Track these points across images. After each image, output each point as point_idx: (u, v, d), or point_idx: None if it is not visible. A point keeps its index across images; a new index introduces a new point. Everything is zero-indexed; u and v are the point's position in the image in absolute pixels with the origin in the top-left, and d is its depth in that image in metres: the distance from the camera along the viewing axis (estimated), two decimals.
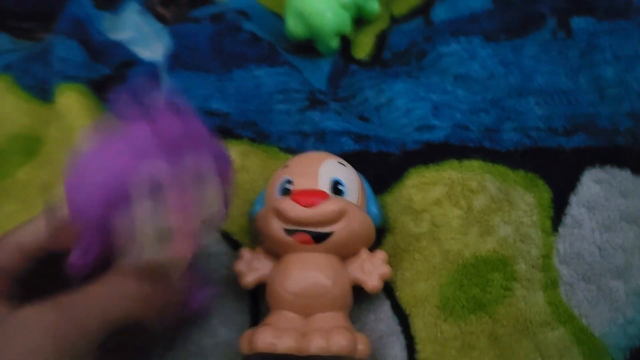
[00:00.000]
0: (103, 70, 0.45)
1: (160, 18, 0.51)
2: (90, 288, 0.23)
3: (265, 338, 0.27)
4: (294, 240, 0.29)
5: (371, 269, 0.30)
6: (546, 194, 0.33)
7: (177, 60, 0.45)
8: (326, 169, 0.31)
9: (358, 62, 0.44)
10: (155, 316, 0.25)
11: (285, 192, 0.30)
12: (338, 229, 0.29)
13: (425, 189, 0.34)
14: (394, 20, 0.47)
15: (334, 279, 0.29)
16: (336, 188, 0.30)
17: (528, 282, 0.30)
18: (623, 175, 0.32)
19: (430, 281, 0.31)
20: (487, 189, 0.33)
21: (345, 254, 0.30)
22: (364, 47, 0.45)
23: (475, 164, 0.35)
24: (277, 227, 0.29)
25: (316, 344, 0.26)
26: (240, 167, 0.38)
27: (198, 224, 0.24)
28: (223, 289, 0.32)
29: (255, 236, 0.33)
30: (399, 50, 0.43)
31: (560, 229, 0.31)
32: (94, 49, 0.46)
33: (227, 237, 0.35)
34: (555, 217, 0.32)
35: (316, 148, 0.38)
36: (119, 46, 0.47)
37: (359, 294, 0.30)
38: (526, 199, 0.33)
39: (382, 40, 0.45)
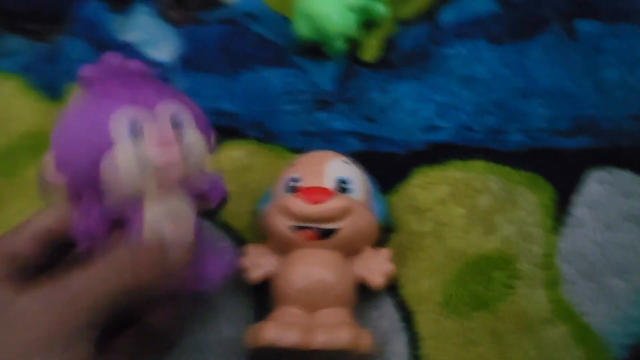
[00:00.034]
0: None
1: (170, 20, 0.52)
2: (89, 270, 0.23)
3: (270, 332, 0.27)
4: (300, 237, 0.30)
5: (375, 267, 0.31)
6: (549, 194, 0.33)
7: (186, 62, 0.46)
8: (332, 168, 0.31)
9: (365, 64, 0.45)
10: (157, 290, 0.25)
11: (292, 189, 0.31)
12: (343, 226, 0.30)
13: (429, 188, 0.35)
14: (401, 23, 0.48)
15: (338, 276, 0.29)
16: (342, 186, 0.31)
17: (530, 280, 0.30)
18: (625, 176, 0.33)
19: (433, 279, 0.32)
20: (491, 189, 0.34)
21: (350, 251, 0.31)
22: (370, 50, 0.46)
23: (480, 164, 0.35)
24: (283, 224, 0.30)
25: (320, 339, 0.27)
26: (247, 166, 0.38)
27: (181, 161, 0.25)
28: (228, 285, 0.33)
29: (260, 233, 0.33)
30: (406, 53, 0.44)
31: (563, 228, 0.32)
32: (103, 50, 0.47)
33: (232, 233, 0.35)
34: (557, 216, 0.32)
35: (322, 148, 0.38)
36: (128, 47, 0.47)
37: (364, 291, 0.31)
38: (529, 199, 0.33)
39: (389, 42, 0.45)
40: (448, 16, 0.45)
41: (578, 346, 0.28)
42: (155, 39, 0.49)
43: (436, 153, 0.36)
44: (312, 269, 0.29)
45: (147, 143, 0.24)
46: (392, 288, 0.32)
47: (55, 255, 0.26)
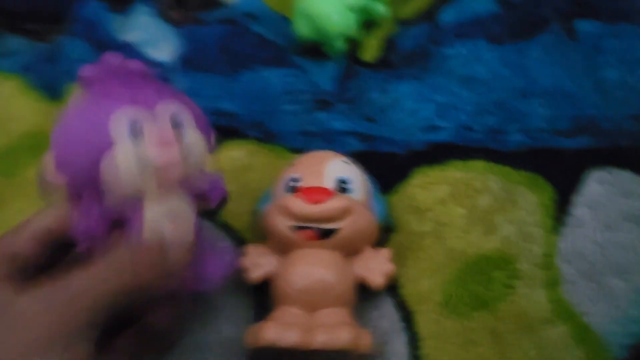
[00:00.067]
0: None
1: (170, 20, 0.52)
2: (89, 268, 0.23)
3: (270, 332, 0.27)
4: (300, 237, 0.30)
5: (375, 267, 0.31)
6: (549, 194, 0.33)
7: (186, 62, 0.46)
8: (332, 168, 0.31)
9: (365, 64, 0.45)
10: (157, 290, 0.25)
11: (292, 189, 0.31)
12: (343, 226, 0.30)
13: (429, 188, 0.35)
14: (401, 23, 0.48)
15: (338, 276, 0.29)
16: (342, 186, 0.31)
17: (530, 280, 0.30)
18: (625, 176, 0.33)
19: (433, 279, 0.32)
20: (491, 189, 0.34)
21: (350, 251, 0.31)
22: (370, 50, 0.46)
23: (480, 164, 0.35)
24: (283, 224, 0.30)
25: (320, 339, 0.27)
26: (247, 166, 0.39)
27: (181, 161, 0.25)
28: (228, 285, 0.33)
29: (260, 233, 0.33)
30: (406, 53, 0.44)
31: (563, 228, 0.32)
32: (103, 50, 0.47)
33: (232, 233, 0.35)
34: (557, 216, 0.32)
35: (322, 148, 0.38)
36: (128, 47, 0.47)
37: (364, 292, 0.31)
38: (529, 199, 0.33)
39: (389, 42, 0.45)
40: (448, 16, 0.45)
41: (578, 346, 0.28)
42: (156, 39, 0.49)
43: (436, 153, 0.36)
44: (312, 269, 0.29)
45: (147, 143, 0.24)
46: (392, 288, 0.32)
47: (55, 255, 0.26)
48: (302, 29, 0.44)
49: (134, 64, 0.27)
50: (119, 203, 0.25)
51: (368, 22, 0.48)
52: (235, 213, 0.36)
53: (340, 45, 0.45)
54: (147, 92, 0.25)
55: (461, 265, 0.32)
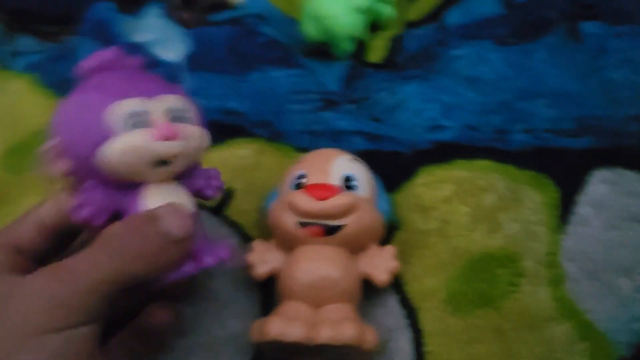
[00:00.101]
0: None
1: (181, 22, 0.52)
2: (86, 251, 0.23)
3: (276, 327, 0.27)
4: (306, 233, 0.30)
5: (380, 264, 0.31)
6: (554, 193, 0.33)
7: (196, 62, 0.46)
8: (338, 165, 0.32)
9: (371, 65, 0.45)
10: (157, 272, 0.25)
11: (298, 186, 0.31)
12: (349, 223, 0.30)
13: (434, 187, 0.35)
14: (408, 24, 0.48)
15: (343, 272, 0.30)
16: (348, 183, 0.31)
17: (534, 278, 0.30)
18: (629, 176, 0.33)
19: (438, 276, 0.32)
20: (496, 188, 0.34)
21: (355, 247, 0.31)
22: (377, 51, 0.46)
23: (485, 163, 0.35)
24: (289, 220, 0.30)
25: (325, 334, 0.27)
26: (254, 165, 0.39)
27: (181, 153, 0.25)
28: (234, 281, 0.33)
29: (267, 230, 0.33)
30: (412, 54, 0.44)
31: (568, 227, 0.32)
32: None
33: (239, 230, 0.36)
34: (562, 215, 0.32)
35: (329, 147, 0.38)
36: (140, 48, 0.48)
37: (369, 288, 0.31)
38: (534, 198, 0.33)
39: (395, 44, 0.46)
40: (454, 17, 0.45)
41: (582, 344, 0.28)
42: (165, 39, 0.49)
43: (441, 152, 0.37)
44: (317, 265, 0.30)
45: (148, 133, 0.24)
46: (397, 285, 0.32)
47: (59, 247, 0.27)
48: (309, 30, 0.45)
49: (131, 59, 0.27)
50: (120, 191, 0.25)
51: (374, 23, 0.48)
52: (242, 210, 0.37)
53: (347, 46, 0.45)
54: (147, 83, 0.26)
55: (466, 263, 0.32)
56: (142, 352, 0.28)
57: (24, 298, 0.22)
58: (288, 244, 0.31)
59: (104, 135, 0.24)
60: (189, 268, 0.26)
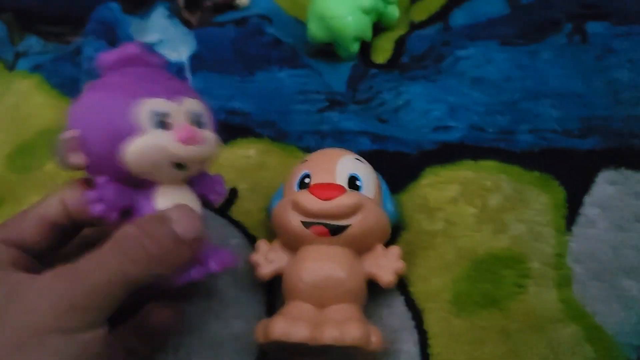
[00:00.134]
0: None
1: (186, 23, 0.53)
2: (97, 252, 0.23)
3: (280, 327, 0.27)
4: (311, 233, 0.30)
5: (386, 264, 0.31)
6: (560, 194, 0.33)
7: (201, 62, 0.47)
8: (344, 165, 0.32)
9: (377, 66, 0.45)
10: (166, 275, 0.25)
11: (304, 186, 0.31)
12: (354, 223, 0.30)
13: (440, 187, 0.35)
14: (413, 25, 0.48)
15: (348, 272, 0.29)
16: (353, 183, 0.31)
17: (541, 280, 0.30)
18: (637, 177, 0.33)
19: (443, 277, 0.32)
20: (502, 188, 0.34)
21: (360, 248, 0.31)
22: (383, 52, 0.46)
23: (491, 164, 0.35)
24: (294, 219, 0.30)
25: (330, 334, 0.27)
26: (260, 165, 0.39)
27: (200, 157, 0.25)
28: (239, 282, 0.33)
29: (271, 230, 0.33)
30: (417, 55, 0.44)
31: (574, 228, 0.32)
32: None
33: (244, 230, 0.36)
34: (569, 216, 0.32)
35: (334, 147, 0.39)
36: (146, 48, 0.48)
37: (374, 289, 0.31)
38: (540, 199, 0.33)
39: (401, 45, 0.45)
40: (459, 18, 0.45)
41: (588, 346, 0.28)
42: (172, 40, 0.50)
43: (447, 153, 0.37)
44: (322, 265, 0.29)
45: (171, 135, 0.24)
46: (402, 286, 0.32)
47: (60, 244, 0.26)
48: (315, 31, 0.45)
49: (153, 57, 0.27)
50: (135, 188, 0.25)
51: (379, 24, 0.48)
52: (247, 210, 0.37)
53: (352, 46, 0.45)
54: (172, 84, 0.26)
55: (471, 264, 0.32)
56: (142, 352, 0.28)
57: (32, 297, 0.21)
58: (293, 244, 0.31)
59: (127, 132, 0.24)
60: (195, 272, 0.26)
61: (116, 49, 0.26)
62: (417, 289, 0.32)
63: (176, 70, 0.46)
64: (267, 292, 0.33)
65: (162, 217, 0.24)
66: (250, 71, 0.45)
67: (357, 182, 0.31)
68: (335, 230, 0.30)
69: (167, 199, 0.26)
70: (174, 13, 0.53)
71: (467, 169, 0.35)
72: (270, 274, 0.31)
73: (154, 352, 0.30)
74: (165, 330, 0.28)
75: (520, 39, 0.42)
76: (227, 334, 0.31)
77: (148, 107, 0.24)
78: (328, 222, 0.30)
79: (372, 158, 0.34)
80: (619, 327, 0.28)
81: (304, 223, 0.30)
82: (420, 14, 0.48)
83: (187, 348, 0.31)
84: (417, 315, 0.31)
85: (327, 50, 0.47)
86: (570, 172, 0.34)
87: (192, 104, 0.26)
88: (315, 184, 0.30)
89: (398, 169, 0.37)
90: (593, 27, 0.41)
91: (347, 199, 0.30)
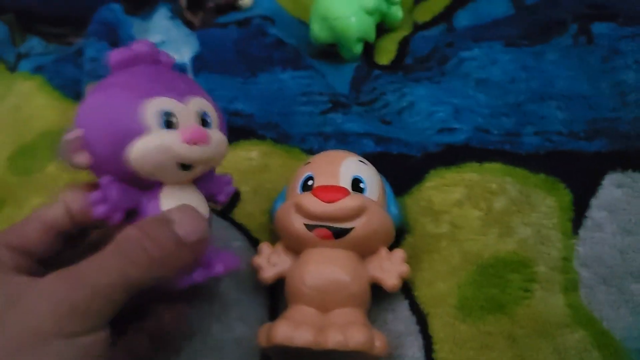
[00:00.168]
0: None
1: (188, 24, 0.53)
2: (99, 255, 0.23)
3: (283, 331, 0.27)
4: (314, 236, 0.29)
5: (390, 268, 0.30)
6: (567, 197, 0.33)
7: (203, 63, 0.46)
8: (347, 167, 0.31)
9: (380, 68, 0.45)
10: (168, 277, 0.24)
11: (307, 188, 0.31)
12: (358, 225, 0.29)
13: (445, 190, 0.34)
14: (417, 26, 0.48)
15: (352, 275, 0.29)
16: (357, 185, 0.31)
17: (548, 284, 0.30)
18: None
19: (448, 281, 0.31)
20: (508, 191, 0.33)
21: (364, 251, 0.30)
22: (386, 53, 0.46)
23: (496, 166, 0.35)
24: (297, 222, 0.30)
25: (333, 339, 0.26)
26: (262, 167, 0.39)
27: (207, 158, 0.25)
28: (241, 285, 0.33)
29: (274, 232, 0.33)
30: (421, 56, 0.44)
31: (581, 232, 0.31)
32: None
33: (246, 233, 0.35)
34: (575, 220, 0.32)
35: (337, 149, 0.38)
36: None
37: (378, 293, 0.30)
38: (547, 202, 0.33)
39: (404, 46, 0.45)
40: (464, 19, 0.45)
41: (596, 352, 0.28)
42: (175, 41, 0.50)
43: (452, 155, 0.36)
44: (326, 268, 0.29)
45: (178, 135, 0.24)
46: (407, 290, 0.32)
47: (66, 249, 0.26)
48: (318, 32, 0.45)
49: (164, 55, 0.27)
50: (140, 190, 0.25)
51: (382, 25, 0.48)
52: (250, 213, 0.36)
53: (355, 48, 0.45)
54: (179, 84, 0.25)
55: (477, 268, 0.31)
56: (148, 354, 0.28)
57: (33, 301, 0.21)
58: (296, 247, 0.31)
59: (132, 132, 0.23)
60: (198, 275, 0.26)
61: (125, 47, 0.26)
62: (422, 293, 0.31)
63: (178, 71, 0.46)
64: (270, 296, 0.33)
65: (164, 219, 0.24)
66: (253, 72, 0.45)
67: (361, 185, 0.31)
68: (339, 233, 0.29)
69: (172, 199, 0.25)
70: (176, 14, 0.53)
71: (472, 171, 0.35)
72: (273, 277, 0.31)
73: (162, 354, 0.30)
74: (176, 330, 0.28)
75: (525, 40, 0.42)
76: (229, 337, 0.31)
77: (154, 106, 0.24)
78: (331, 224, 0.29)
79: (376, 160, 0.34)
80: (627, 333, 0.28)
81: (307, 226, 0.30)
82: (424, 14, 0.48)
83: (189, 351, 0.31)
84: (421, 320, 0.31)
85: (330, 52, 0.46)
86: (576, 174, 0.33)
87: (200, 104, 0.25)
88: (318, 186, 0.30)
89: (402, 171, 0.36)
90: (599, 28, 0.40)
91: (350, 202, 0.29)
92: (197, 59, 0.47)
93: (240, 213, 0.36)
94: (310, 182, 0.31)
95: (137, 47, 0.25)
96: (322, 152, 0.34)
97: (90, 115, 0.24)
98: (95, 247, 0.24)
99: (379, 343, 0.28)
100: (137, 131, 0.23)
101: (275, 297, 0.32)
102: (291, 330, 0.27)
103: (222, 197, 0.29)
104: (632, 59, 0.38)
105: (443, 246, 0.32)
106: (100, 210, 0.24)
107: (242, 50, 0.47)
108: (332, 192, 0.29)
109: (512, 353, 0.28)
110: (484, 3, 0.45)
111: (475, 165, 0.35)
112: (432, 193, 0.34)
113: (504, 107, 0.39)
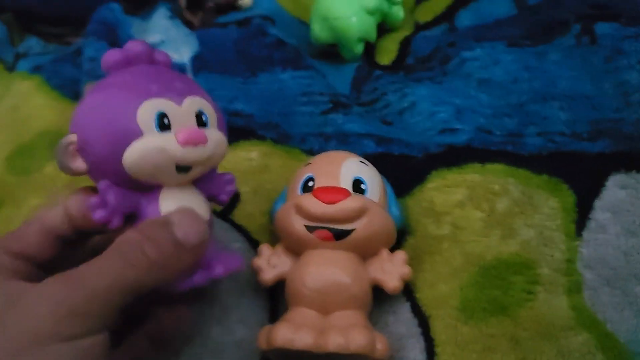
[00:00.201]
0: None
1: (188, 23, 0.52)
2: (98, 258, 0.23)
3: (284, 334, 0.27)
4: (315, 237, 0.29)
5: (391, 269, 0.30)
6: (570, 199, 0.32)
7: (203, 63, 0.46)
8: (348, 167, 0.31)
9: (382, 68, 0.45)
10: (169, 280, 0.24)
11: (307, 189, 0.31)
12: (359, 227, 0.29)
13: (447, 191, 0.34)
14: (418, 26, 0.47)
15: (353, 277, 0.29)
16: (358, 186, 0.30)
17: (551, 286, 0.30)
18: None
19: (450, 283, 0.31)
20: (510, 192, 0.33)
21: (365, 252, 0.30)
22: (387, 53, 0.46)
23: (498, 167, 0.34)
24: (298, 223, 0.30)
25: (334, 342, 0.26)
26: (262, 167, 0.38)
27: (204, 159, 0.25)
28: (241, 287, 0.33)
29: (274, 234, 0.33)
30: (423, 56, 0.43)
31: (584, 234, 0.31)
32: None
33: (246, 235, 0.35)
34: (579, 221, 0.31)
35: (338, 150, 0.38)
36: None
37: (379, 295, 0.30)
38: (550, 203, 0.32)
39: (405, 46, 0.45)
40: (465, 19, 0.45)
41: (600, 355, 0.27)
42: (174, 41, 0.49)
43: (454, 156, 0.36)
44: (326, 270, 0.29)
45: (174, 137, 0.24)
46: (408, 292, 0.31)
47: (65, 254, 0.26)
48: (319, 31, 0.44)
49: (160, 54, 0.26)
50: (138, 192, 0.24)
51: (383, 25, 0.48)
52: (250, 214, 0.36)
53: (356, 47, 0.45)
54: (175, 84, 0.25)
55: (479, 270, 0.31)
56: (148, 357, 0.28)
57: (32, 303, 0.21)
58: (296, 249, 0.31)
59: (128, 134, 0.23)
60: (199, 278, 0.26)
61: (120, 48, 0.25)
62: (424, 295, 0.31)
63: (177, 71, 0.46)
64: (270, 298, 0.32)
65: (163, 222, 0.24)
66: (253, 72, 0.45)
67: (362, 186, 0.30)
68: (340, 235, 0.29)
69: (172, 202, 0.25)
70: (176, 14, 0.53)
71: (474, 172, 0.34)
72: (273, 279, 0.31)
73: (157, 359, 0.29)
74: (176, 333, 0.28)
75: (528, 40, 0.41)
76: (229, 340, 0.31)
77: (149, 108, 0.23)
78: (332, 226, 0.29)
79: (377, 161, 0.34)
80: (631, 335, 0.28)
81: (307, 227, 0.29)
82: (425, 14, 0.47)
83: (189, 354, 0.30)
84: (423, 322, 0.30)
85: (331, 52, 0.46)
86: (579, 175, 0.33)
87: (197, 103, 0.25)
88: (319, 187, 0.30)
89: (403, 172, 0.36)
90: (602, 28, 0.40)
91: (351, 203, 0.29)
92: (196, 59, 0.47)
93: (240, 214, 0.36)
94: (310, 183, 0.31)
95: (131, 47, 0.25)
96: (322, 153, 0.33)
97: (85, 118, 0.24)
98: (96, 251, 0.24)
99: (380, 346, 0.27)
100: (133, 133, 0.23)
101: (275, 299, 0.32)
102: (291, 332, 0.27)
103: (224, 197, 0.29)
104: (636, 59, 0.37)
105: (445, 248, 0.32)
106: (99, 214, 0.24)
107: (242, 50, 0.46)
108: (333, 193, 0.29)
109: (515, 355, 0.28)
110: (486, 3, 0.45)
111: (477, 166, 0.35)
112: (434, 194, 0.34)
113: (507, 107, 0.38)
